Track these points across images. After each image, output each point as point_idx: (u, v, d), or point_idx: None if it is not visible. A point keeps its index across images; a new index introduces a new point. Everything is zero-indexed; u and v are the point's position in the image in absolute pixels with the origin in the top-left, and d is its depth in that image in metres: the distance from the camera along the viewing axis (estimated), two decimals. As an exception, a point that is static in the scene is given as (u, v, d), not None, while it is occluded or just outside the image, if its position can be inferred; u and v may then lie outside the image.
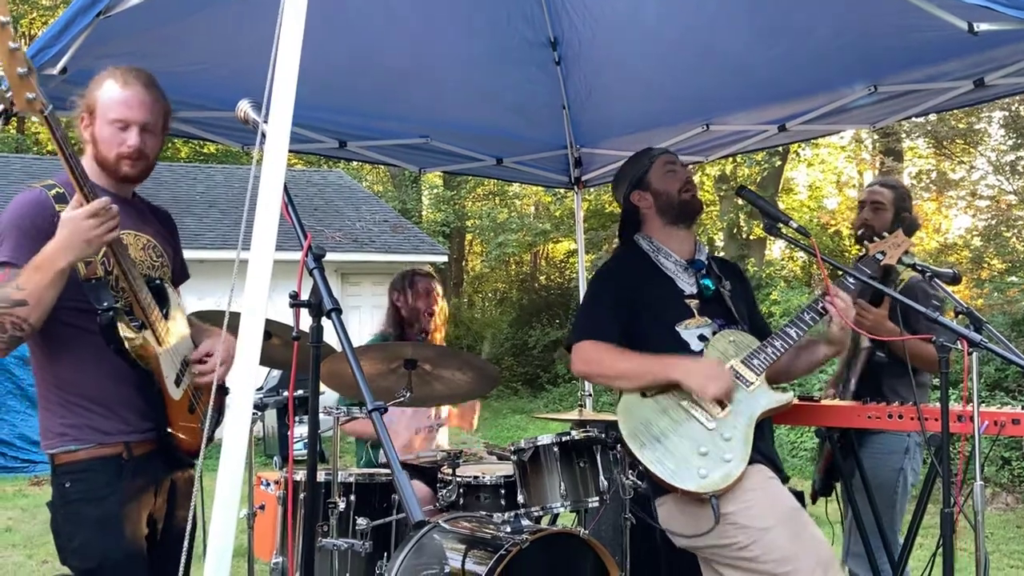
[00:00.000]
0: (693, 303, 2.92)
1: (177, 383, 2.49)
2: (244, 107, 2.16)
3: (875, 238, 3.75)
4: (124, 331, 2.31)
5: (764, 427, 2.86)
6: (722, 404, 2.74)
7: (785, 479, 2.87)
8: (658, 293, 2.92)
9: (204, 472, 2.32)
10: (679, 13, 3.61)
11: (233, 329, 1.87)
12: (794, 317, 2.89)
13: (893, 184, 3.99)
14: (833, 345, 2.94)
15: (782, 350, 2.84)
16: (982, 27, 2.61)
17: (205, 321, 2.78)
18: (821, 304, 2.86)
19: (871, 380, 3.64)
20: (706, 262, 3.05)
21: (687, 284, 2.96)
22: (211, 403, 2.55)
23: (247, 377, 1.77)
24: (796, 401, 3.55)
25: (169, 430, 2.46)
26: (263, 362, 3.49)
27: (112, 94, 2.44)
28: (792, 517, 2.68)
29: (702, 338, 2.87)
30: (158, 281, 2.52)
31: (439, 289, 4.66)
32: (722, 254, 20.19)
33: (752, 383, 2.81)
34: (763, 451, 2.81)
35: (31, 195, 2.37)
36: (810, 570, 2.58)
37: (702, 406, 2.77)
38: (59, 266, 2.18)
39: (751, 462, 2.70)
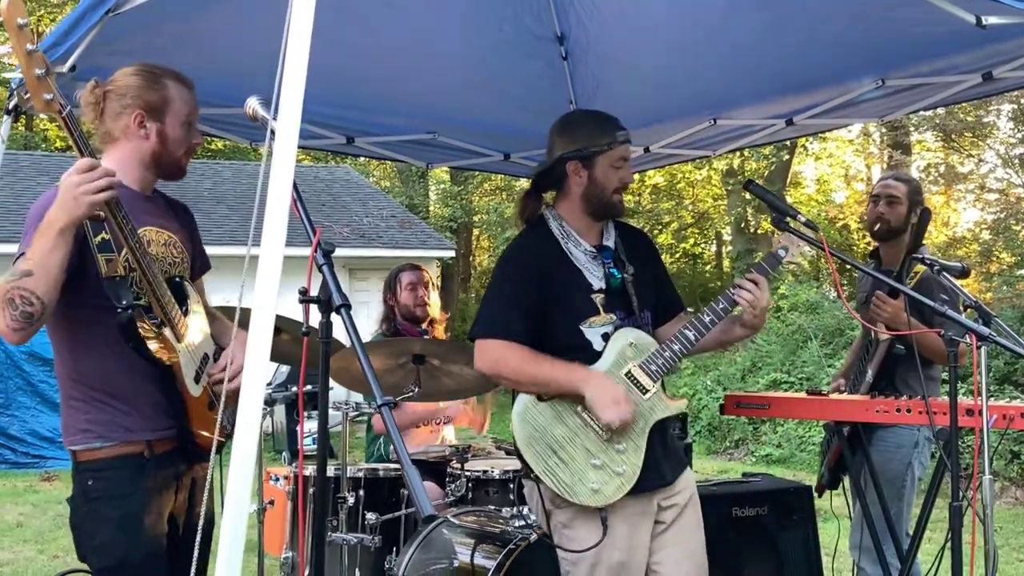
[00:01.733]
0: (599, 298, 2.80)
1: (196, 380, 2.50)
2: (252, 104, 2.17)
3: (891, 233, 3.75)
4: (143, 330, 2.32)
5: (657, 431, 2.77)
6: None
7: (670, 480, 2.81)
8: (566, 288, 2.79)
9: (220, 469, 2.33)
10: (686, 7, 3.60)
11: (244, 325, 1.88)
12: (694, 318, 2.82)
13: (906, 178, 3.98)
14: (747, 328, 2.87)
15: (680, 355, 2.78)
16: (990, 20, 2.60)
17: (226, 316, 2.80)
18: (725, 302, 2.79)
19: (887, 372, 3.64)
20: (613, 247, 2.90)
21: (595, 277, 2.82)
22: (223, 401, 2.56)
23: (258, 373, 1.78)
24: (804, 396, 3.57)
25: (189, 427, 2.47)
26: (273, 358, 3.52)
27: (183, 94, 2.52)
28: (616, 570, 2.67)
29: (605, 336, 2.78)
30: (179, 279, 2.54)
31: (427, 277, 4.67)
32: (729, 248, 20.16)
33: (649, 390, 2.74)
34: (652, 457, 2.73)
35: (52, 193, 2.39)
36: None
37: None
38: (56, 227, 2.15)
39: (634, 491, 2.67)
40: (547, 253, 2.83)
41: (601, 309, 2.79)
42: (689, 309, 3.11)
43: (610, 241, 2.91)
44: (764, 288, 2.78)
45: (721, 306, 2.79)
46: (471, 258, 25.55)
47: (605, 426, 2.65)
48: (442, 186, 23.40)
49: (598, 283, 2.81)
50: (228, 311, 2.81)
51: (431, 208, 23.25)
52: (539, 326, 2.76)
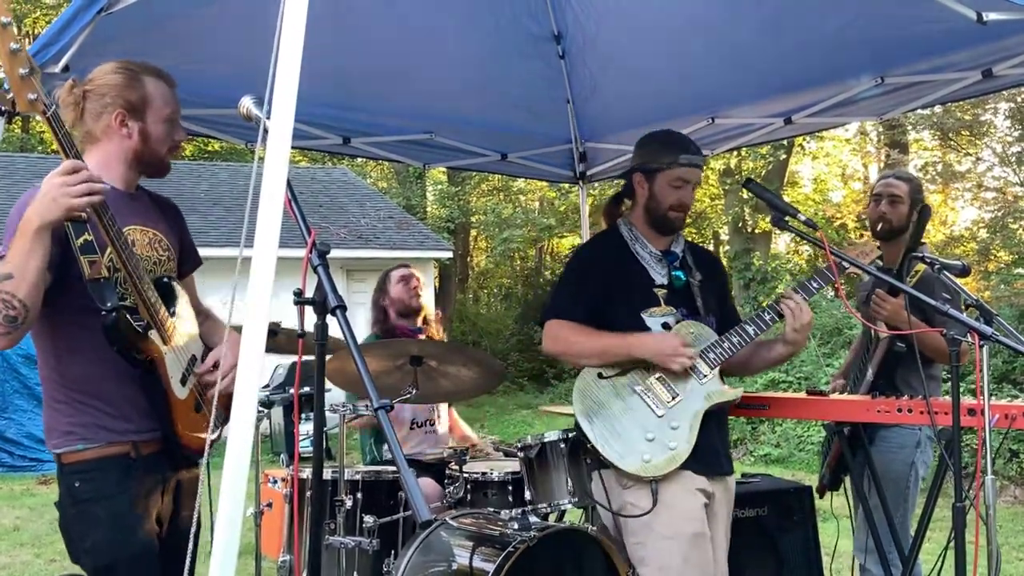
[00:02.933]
0: (661, 292, 3.01)
1: (183, 382, 2.47)
2: (246, 103, 2.14)
3: (893, 233, 3.73)
4: (127, 332, 2.29)
5: (716, 418, 2.96)
6: (686, 371, 2.88)
7: (728, 471, 3.02)
8: (629, 280, 3.01)
9: (211, 470, 2.31)
10: (684, 6, 3.59)
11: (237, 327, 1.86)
12: (754, 315, 3.00)
13: (908, 176, 3.97)
14: (789, 345, 3.01)
15: (738, 346, 2.95)
16: (991, 17, 2.59)
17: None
18: (779, 306, 2.96)
19: (888, 371, 3.62)
20: (680, 254, 3.12)
21: (658, 274, 3.04)
22: (215, 403, 2.53)
23: (251, 375, 1.76)
24: (804, 396, 3.55)
25: (174, 430, 2.44)
26: (270, 349, 3.49)
27: (163, 91, 2.49)
28: (693, 541, 2.81)
29: (665, 326, 2.97)
30: (166, 279, 2.51)
31: (414, 272, 4.66)
32: (727, 248, 20.18)
33: (705, 375, 2.93)
34: (708, 442, 2.90)
35: (32, 192, 2.36)
36: None
37: (655, 393, 2.90)
38: (33, 227, 2.13)
39: (686, 468, 2.83)
40: (613, 250, 3.09)
41: (662, 301, 3.00)
42: None
43: (678, 249, 3.14)
44: (805, 308, 2.94)
45: (769, 316, 2.98)
46: (469, 259, 25.53)
47: (679, 368, 2.85)
48: (439, 187, 23.38)
49: (661, 279, 3.05)
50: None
51: (428, 209, 23.23)
52: (602, 313, 2.98)
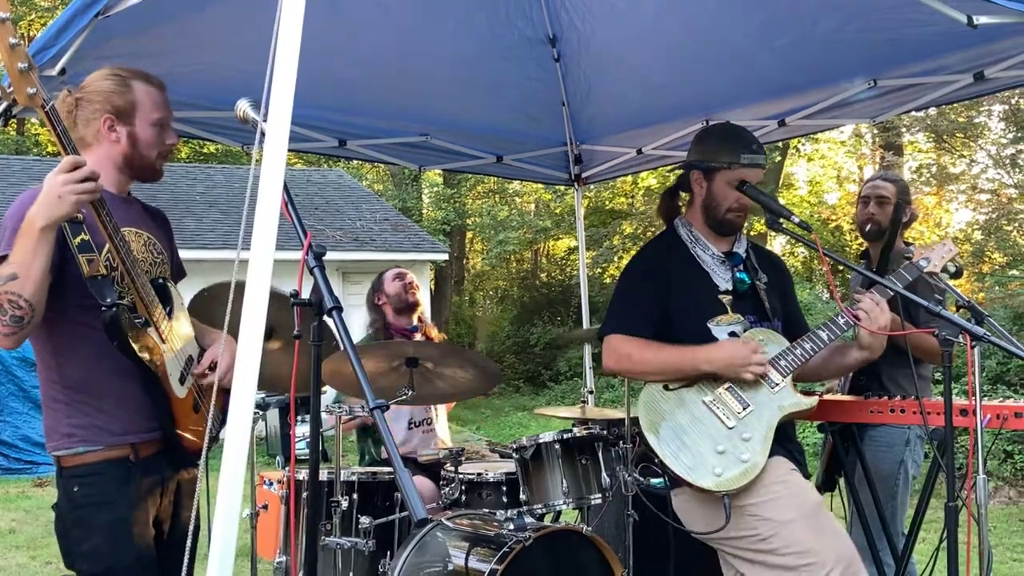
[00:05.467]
0: (726, 299, 2.88)
1: (181, 382, 2.48)
2: (243, 106, 2.16)
3: (882, 234, 3.75)
4: (127, 327, 2.30)
5: (787, 427, 2.84)
6: (761, 377, 2.75)
7: (807, 476, 2.87)
8: (692, 288, 2.88)
9: (208, 473, 2.32)
10: (678, 9, 3.61)
11: (234, 330, 1.87)
12: (828, 320, 2.84)
13: (895, 178, 4.01)
14: (864, 350, 2.86)
15: (812, 353, 2.81)
16: (981, 20, 2.60)
17: (214, 296, 2.79)
18: (855, 308, 2.80)
19: (869, 368, 3.64)
20: (744, 255, 2.98)
21: (722, 279, 2.91)
22: (212, 402, 2.54)
23: (248, 376, 1.77)
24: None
25: (175, 429, 2.45)
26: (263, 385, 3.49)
27: (151, 95, 2.50)
28: (814, 511, 2.68)
29: (733, 335, 2.83)
30: (161, 280, 2.52)
31: (406, 271, 4.67)
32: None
33: (777, 384, 2.78)
34: (786, 448, 2.81)
35: (31, 192, 2.38)
36: (831, 564, 2.57)
37: (725, 404, 2.76)
38: (37, 226, 2.14)
39: (773, 454, 2.71)
40: (672, 256, 2.94)
41: (728, 309, 2.86)
42: None
43: (740, 249, 2.99)
44: (883, 307, 2.77)
45: (844, 319, 2.81)
46: (465, 261, 25.53)
47: (754, 378, 2.72)
48: (435, 189, 23.39)
49: (724, 284, 2.90)
50: (218, 289, 2.79)
51: (424, 211, 23.23)
52: (666, 325, 2.85)
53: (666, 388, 2.81)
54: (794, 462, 2.82)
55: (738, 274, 2.91)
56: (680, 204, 3.08)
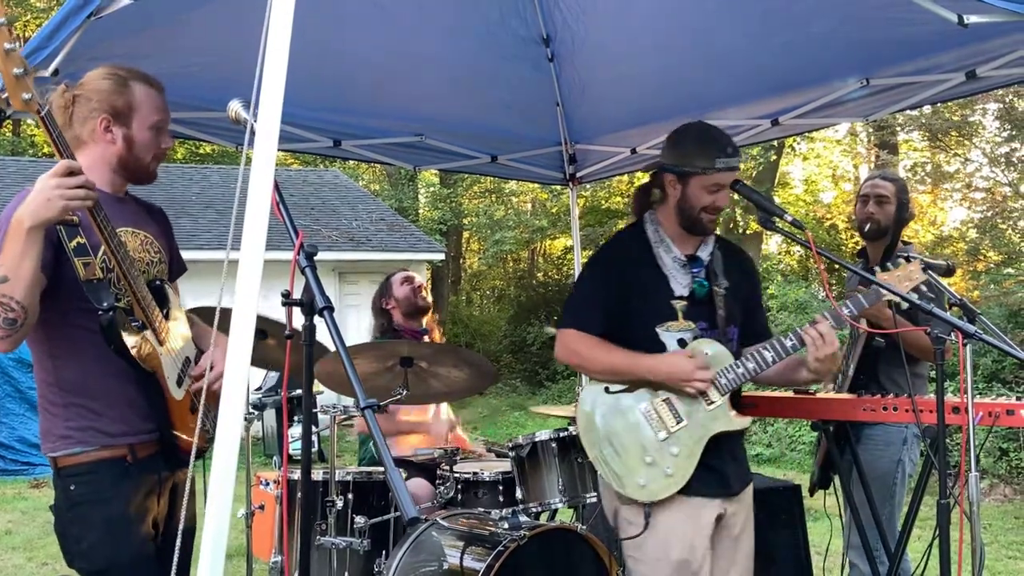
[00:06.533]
0: (680, 304, 2.85)
1: (179, 383, 2.48)
2: (235, 107, 2.16)
3: (881, 233, 3.76)
4: (124, 331, 2.30)
5: (728, 440, 2.84)
6: (705, 393, 2.77)
7: (737, 490, 2.89)
8: (648, 290, 2.87)
9: (203, 473, 2.32)
10: (672, 9, 3.61)
11: (225, 328, 1.87)
12: (776, 339, 2.83)
13: (893, 177, 4.01)
14: (812, 373, 2.85)
15: (753, 372, 2.80)
16: (972, 19, 2.61)
17: (203, 317, 2.78)
18: (794, 338, 2.78)
19: (868, 366, 3.65)
20: (707, 259, 2.95)
21: (680, 284, 2.88)
22: (210, 404, 2.55)
23: (239, 376, 1.77)
24: (791, 395, 3.58)
25: (172, 431, 2.46)
26: (260, 364, 3.50)
27: (150, 97, 2.49)
28: (677, 567, 2.74)
29: (681, 342, 2.83)
30: (158, 282, 2.52)
31: (421, 279, 4.66)
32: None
33: (714, 402, 2.79)
34: (716, 464, 2.81)
35: (24, 195, 2.37)
36: None
37: (659, 415, 2.79)
38: (24, 227, 2.13)
39: (694, 494, 2.76)
40: (634, 255, 2.92)
41: (680, 315, 2.85)
42: None
43: (704, 253, 2.95)
44: (829, 337, 2.72)
45: (791, 342, 2.79)
46: (461, 261, 25.54)
47: (697, 393, 2.75)
48: (432, 189, 23.38)
49: (681, 290, 2.88)
50: (206, 311, 2.79)
51: (421, 211, 23.23)
52: (618, 324, 2.86)
53: (607, 391, 2.84)
54: (723, 485, 2.84)
55: (697, 280, 2.89)
56: (653, 201, 3.04)
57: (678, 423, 2.78)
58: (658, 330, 2.83)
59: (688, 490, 2.75)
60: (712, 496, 2.81)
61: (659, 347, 2.83)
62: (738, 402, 2.90)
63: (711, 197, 2.85)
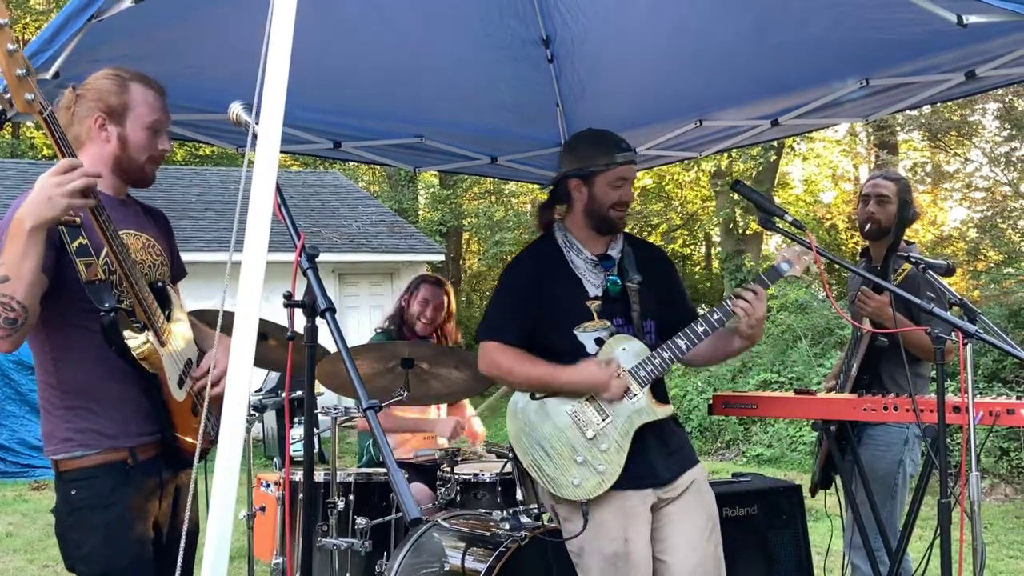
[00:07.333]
0: (595, 305, 2.93)
1: (180, 385, 2.48)
2: (236, 109, 2.16)
3: (882, 232, 3.76)
4: (126, 332, 2.30)
5: (654, 429, 2.88)
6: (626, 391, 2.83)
7: (665, 482, 2.89)
8: (562, 294, 2.94)
9: (205, 475, 2.32)
10: (671, 9, 3.61)
11: (227, 330, 1.87)
12: (688, 328, 2.88)
13: (895, 176, 4.01)
14: (746, 340, 2.94)
15: (670, 362, 2.89)
16: (971, 19, 2.61)
17: (203, 320, 2.79)
18: (720, 313, 2.86)
19: (871, 365, 3.65)
20: (618, 257, 3.02)
21: (593, 285, 2.96)
22: (210, 406, 2.55)
23: (242, 378, 1.77)
24: (791, 395, 3.58)
25: (174, 433, 2.46)
26: (261, 364, 3.50)
27: (147, 98, 2.48)
28: (611, 560, 2.78)
29: (599, 341, 2.90)
30: (160, 283, 2.52)
31: (446, 302, 4.63)
32: (718, 250, 20.20)
33: (636, 395, 2.86)
34: (645, 456, 2.85)
35: (25, 197, 2.38)
36: None
37: (585, 414, 2.85)
38: (26, 227, 2.11)
39: (624, 487, 2.79)
40: (547, 262, 2.99)
41: (596, 315, 2.92)
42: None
43: (615, 252, 3.03)
44: (762, 299, 2.86)
45: (716, 317, 2.88)
46: (461, 262, 25.53)
47: (610, 400, 2.82)
48: (431, 190, 23.38)
49: (595, 290, 2.95)
50: (207, 314, 2.80)
51: (420, 212, 23.23)
52: (536, 331, 2.93)
53: (532, 397, 2.90)
54: (652, 476, 2.87)
55: (609, 278, 2.96)
56: (557, 215, 3.13)
57: (604, 420, 2.84)
58: (575, 332, 2.91)
59: (618, 484, 2.80)
60: (641, 487, 2.85)
61: (578, 348, 2.90)
62: (661, 392, 2.96)
63: (617, 192, 2.95)
